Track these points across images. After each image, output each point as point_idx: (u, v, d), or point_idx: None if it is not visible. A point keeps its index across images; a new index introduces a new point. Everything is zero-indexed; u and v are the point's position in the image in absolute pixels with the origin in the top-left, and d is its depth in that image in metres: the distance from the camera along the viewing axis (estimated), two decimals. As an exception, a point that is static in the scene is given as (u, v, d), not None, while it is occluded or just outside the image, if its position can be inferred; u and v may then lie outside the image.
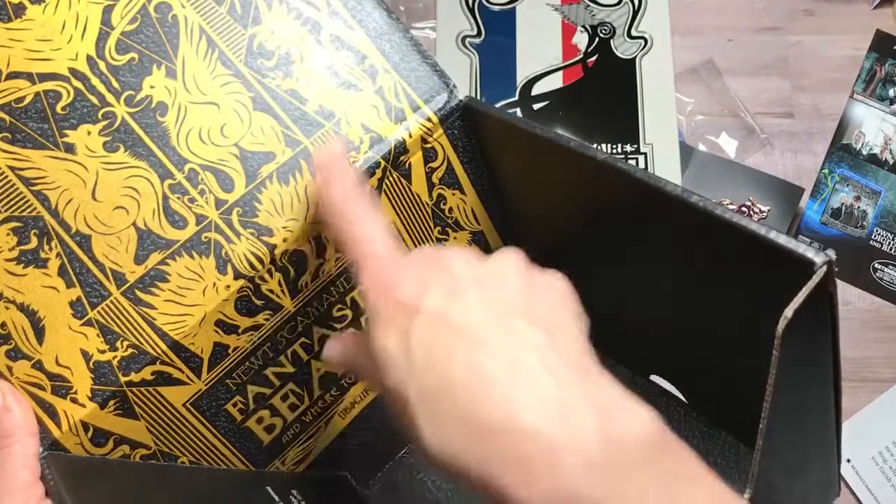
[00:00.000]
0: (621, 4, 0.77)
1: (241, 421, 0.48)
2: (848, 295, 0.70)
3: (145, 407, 0.43)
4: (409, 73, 0.46)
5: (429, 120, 0.46)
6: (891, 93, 0.72)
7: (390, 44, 0.46)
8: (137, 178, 0.43)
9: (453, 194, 0.50)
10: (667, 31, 0.76)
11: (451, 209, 0.50)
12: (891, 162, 0.71)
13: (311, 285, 0.46)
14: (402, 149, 0.46)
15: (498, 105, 0.73)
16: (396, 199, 0.47)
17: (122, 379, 0.42)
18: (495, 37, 0.76)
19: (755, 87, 0.76)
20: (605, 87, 0.74)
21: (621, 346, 0.55)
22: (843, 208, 0.71)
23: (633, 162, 0.71)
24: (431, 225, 0.50)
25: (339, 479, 0.54)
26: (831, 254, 0.34)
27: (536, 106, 0.73)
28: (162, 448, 0.45)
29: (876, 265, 0.70)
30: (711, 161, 0.72)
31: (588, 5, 0.77)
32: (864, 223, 0.70)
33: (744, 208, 0.70)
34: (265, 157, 0.44)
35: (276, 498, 0.47)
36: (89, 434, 0.42)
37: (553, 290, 0.37)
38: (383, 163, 0.45)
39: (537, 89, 0.74)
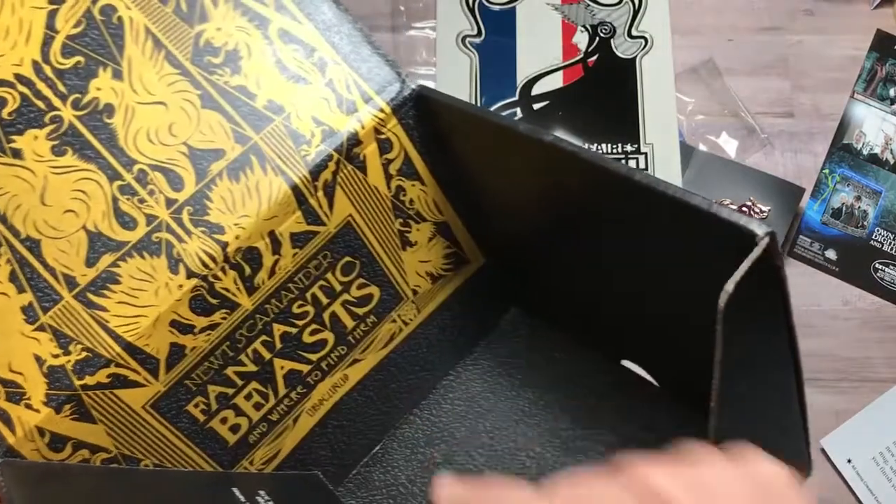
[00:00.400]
0: (621, 4, 0.77)
1: (205, 422, 0.48)
2: (848, 295, 0.70)
3: (103, 410, 0.43)
4: (359, 65, 0.46)
5: (381, 111, 0.46)
6: (891, 93, 0.71)
7: (339, 36, 0.46)
8: (86, 181, 0.43)
9: (413, 185, 0.49)
10: (667, 31, 0.76)
11: (411, 200, 0.50)
12: (891, 162, 0.70)
13: (269, 282, 0.46)
14: (354, 140, 0.45)
15: (498, 105, 0.73)
16: (353, 192, 0.47)
17: (77, 383, 0.42)
18: (495, 37, 0.76)
19: (755, 87, 0.76)
20: (605, 87, 0.74)
21: (590, 331, 0.55)
22: (844, 208, 0.70)
23: (633, 162, 0.71)
24: (392, 217, 0.49)
25: (309, 477, 0.54)
26: (769, 228, 0.33)
27: (536, 106, 0.73)
28: (123, 451, 0.45)
29: (876, 265, 0.70)
30: (712, 161, 0.71)
31: (588, 5, 0.77)
32: (865, 223, 0.70)
33: (744, 208, 0.69)
34: (215, 154, 0.44)
35: (243, 499, 0.46)
36: (46, 439, 0.42)
37: (773, 485, 0.31)
38: (336, 155, 0.45)
39: (537, 89, 0.74)
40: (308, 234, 0.46)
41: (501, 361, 0.57)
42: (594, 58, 0.75)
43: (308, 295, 0.48)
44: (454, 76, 0.74)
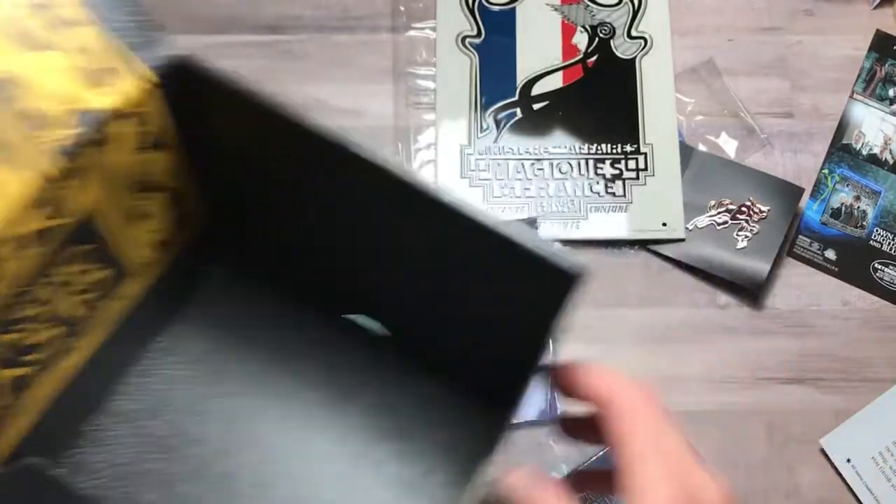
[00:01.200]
0: (621, 4, 0.77)
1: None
2: (848, 295, 0.70)
3: None
4: (113, 23, 0.37)
5: (142, 79, 0.38)
6: (891, 93, 0.73)
7: (88, -13, 0.37)
8: None
9: (161, 155, 0.42)
10: (667, 31, 0.76)
11: (155, 171, 0.43)
12: (891, 162, 0.72)
13: (5, 293, 0.37)
14: (110, 117, 0.38)
15: (498, 105, 0.73)
16: (102, 175, 0.39)
17: None
18: (495, 37, 0.76)
19: (755, 87, 0.75)
20: (605, 87, 0.74)
21: (317, 291, 0.53)
22: (843, 208, 0.71)
23: (632, 162, 0.71)
24: (134, 191, 0.43)
25: (23, 471, 0.47)
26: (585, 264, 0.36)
27: (536, 106, 0.73)
28: None
29: (876, 265, 0.70)
30: (711, 161, 0.71)
31: (588, 5, 0.77)
32: (864, 223, 0.71)
33: (744, 208, 0.70)
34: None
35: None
36: None
37: None
38: (90, 136, 0.37)
39: (537, 89, 0.74)
40: (52, 231, 0.38)
41: (219, 323, 0.53)
42: (594, 58, 0.75)
43: (42, 294, 0.40)
44: (454, 76, 0.74)
